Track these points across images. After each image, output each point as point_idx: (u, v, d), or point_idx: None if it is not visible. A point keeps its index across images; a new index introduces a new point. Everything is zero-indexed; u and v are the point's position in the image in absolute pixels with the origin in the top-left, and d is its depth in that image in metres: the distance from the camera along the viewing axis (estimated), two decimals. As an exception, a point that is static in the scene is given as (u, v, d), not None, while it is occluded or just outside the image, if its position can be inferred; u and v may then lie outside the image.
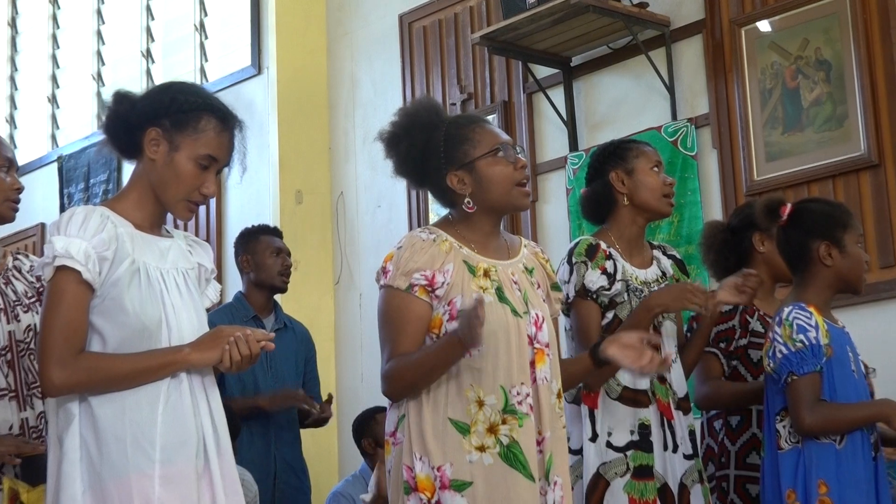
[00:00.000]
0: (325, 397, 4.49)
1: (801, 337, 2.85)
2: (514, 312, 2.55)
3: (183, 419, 2.29)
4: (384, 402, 2.65)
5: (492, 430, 2.48)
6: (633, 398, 3.04)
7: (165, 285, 2.35)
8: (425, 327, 2.54)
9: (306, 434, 5.37)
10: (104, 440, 2.24)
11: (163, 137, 2.37)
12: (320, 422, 4.42)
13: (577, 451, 3.03)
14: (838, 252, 2.96)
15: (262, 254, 4.44)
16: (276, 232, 4.58)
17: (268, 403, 4.27)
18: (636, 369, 2.58)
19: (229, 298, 4.65)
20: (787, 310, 2.90)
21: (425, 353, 2.50)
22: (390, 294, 2.55)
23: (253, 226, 4.66)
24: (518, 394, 2.51)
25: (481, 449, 2.47)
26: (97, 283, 2.28)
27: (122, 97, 2.41)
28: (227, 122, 2.42)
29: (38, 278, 2.89)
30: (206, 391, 2.36)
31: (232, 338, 2.31)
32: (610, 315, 3.09)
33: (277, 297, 4.58)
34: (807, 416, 2.81)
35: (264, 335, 2.35)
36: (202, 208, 6.36)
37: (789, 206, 3.03)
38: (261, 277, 4.42)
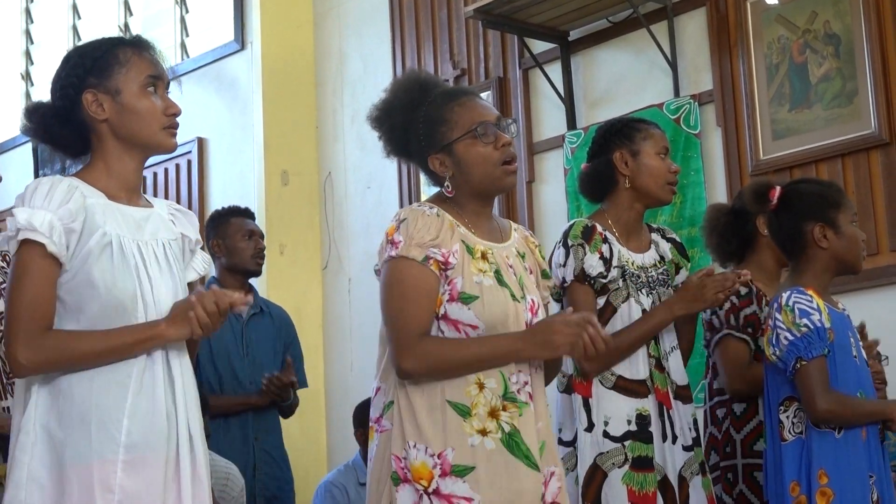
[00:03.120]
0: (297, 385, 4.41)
1: (805, 321, 2.82)
2: (513, 297, 2.50)
3: (154, 405, 2.23)
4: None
5: (493, 414, 2.43)
6: (628, 387, 3.00)
7: (143, 258, 2.27)
8: (435, 302, 2.47)
9: (295, 424, 5.28)
10: (69, 423, 2.18)
11: (100, 93, 2.30)
12: (284, 395, 4.29)
13: (570, 443, 3.00)
14: (833, 233, 2.94)
15: (234, 237, 4.39)
16: (247, 213, 4.54)
17: (259, 400, 4.23)
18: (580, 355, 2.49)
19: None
20: (785, 295, 2.86)
21: (484, 343, 2.44)
22: (404, 265, 2.46)
23: (223, 208, 4.65)
24: (517, 381, 2.46)
25: (483, 432, 2.41)
26: (64, 257, 2.21)
27: (33, 108, 2.35)
28: (140, 43, 2.37)
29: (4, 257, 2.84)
30: (183, 378, 2.30)
31: (194, 298, 2.25)
32: (602, 301, 3.04)
33: (262, 281, 4.46)
34: (821, 402, 2.79)
35: (238, 300, 2.26)
36: (184, 189, 6.27)
37: (778, 189, 3.01)
38: (233, 262, 4.38)
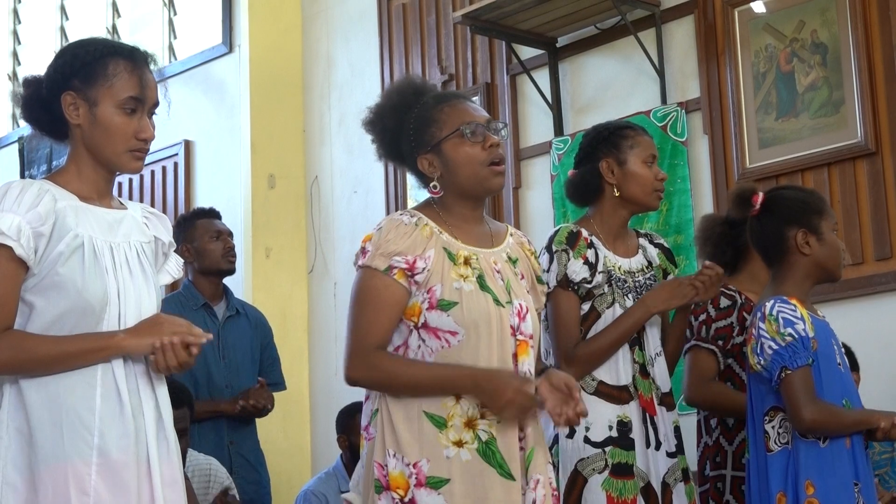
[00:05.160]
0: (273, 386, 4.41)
1: (790, 330, 2.81)
2: (497, 302, 2.49)
3: (122, 408, 2.22)
4: (361, 396, 2.58)
5: (469, 424, 2.42)
6: (610, 393, 2.99)
7: (114, 260, 2.26)
8: (399, 315, 2.47)
9: (278, 428, 5.25)
10: (40, 425, 2.17)
11: (78, 98, 2.28)
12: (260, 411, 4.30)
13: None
14: (815, 239, 2.94)
15: (202, 239, 4.36)
16: (212, 213, 4.51)
17: (229, 407, 4.21)
18: (550, 413, 2.47)
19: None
20: (768, 304, 2.85)
21: (424, 372, 2.44)
22: (367, 274, 2.48)
23: (188, 211, 4.56)
24: None
25: (459, 444, 2.41)
26: (32, 261, 2.20)
27: (29, 81, 2.35)
28: (136, 58, 2.33)
29: None
30: (151, 378, 2.28)
31: (160, 344, 2.22)
32: (586, 307, 3.03)
33: (248, 284, 4.43)
34: (807, 412, 2.78)
35: (199, 335, 2.26)
36: (170, 191, 6.25)
37: (761, 194, 3.00)
38: (205, 264, 4.35)
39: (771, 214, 2.97)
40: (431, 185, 2.54)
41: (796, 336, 2.80)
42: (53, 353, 2.17)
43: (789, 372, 2.79)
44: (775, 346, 2.81)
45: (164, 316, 2.26)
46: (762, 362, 2.84)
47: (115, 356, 2.21)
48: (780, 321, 2.81)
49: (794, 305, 2.84)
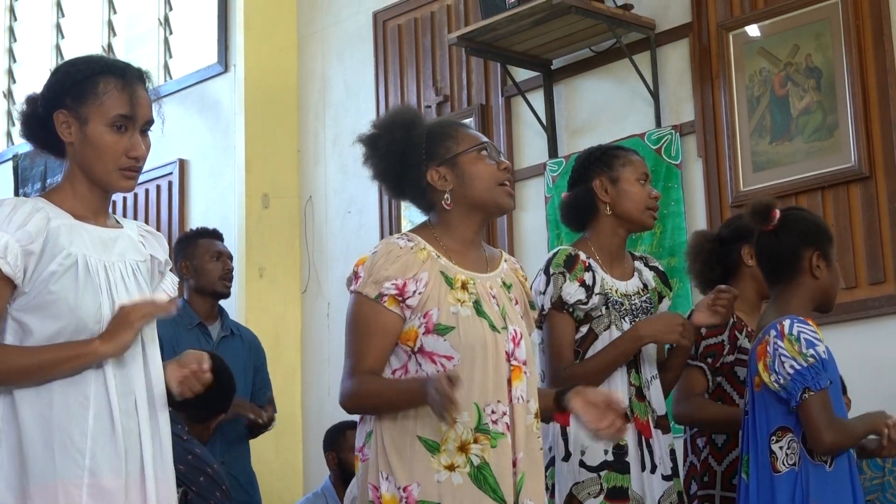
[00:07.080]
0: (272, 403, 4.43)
1: (812, 351, 2.79)
2: (493, 327, 2.49)
3: (113, 428, 2.21)
4: (354, 416, 2.58)
5: (463, 448, 2.42)
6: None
7: (108, 279, 2.25)
8: (392, 341, 2.48)
9: (270, 448, 5.23)
10: (30, 444, 2.17)
11: (70, 117, 2.29)
12: (263, 428, 4.37)
13: None
14: (825, 265, 2.94)
15: (202, 258, 4.37)
16: (215, 234, 4.53)
17: (252, 411, 4.24)
18: (593, 430, 2.53)
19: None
20: (787, 323, 2.83)
21: (392, 388, 2.47)
22: (359, 301, 2.50)
23: (191, 229, 4.58)
24: (494, 412, 2.45)
25: (451, 468, 2.41)
26: (20, 279, 2.19)
27: (29, 99, 2.36)
28: (128, 76, 2.32)
29: None
30: (154, 398, 2.28)
31: (185, 374, 2.29)
32: (584, 329, 3.04)
33: (241, 304, 4.42)
34: (827, 435, 2.76)
35: (163, 301, 2.29)
36: (164, 210, 6.25)
37: (779, 211, 2.99)
38: (201, 283, 4.36)
39: (789, 231, 2.96)
40: (444, 198, 2.54)
41: (818, 357, 2.79)
42: (27, 363, 2.17)
43: (812, 393, 2.77)
44: (798, 367, 2.78)
45: (127, 306, 2.23)
46: (781, 381, 2.81)
47: (93, 362, 2.19)
48: (803, 341, 2.79)
49: (812, 326, 2.83)
